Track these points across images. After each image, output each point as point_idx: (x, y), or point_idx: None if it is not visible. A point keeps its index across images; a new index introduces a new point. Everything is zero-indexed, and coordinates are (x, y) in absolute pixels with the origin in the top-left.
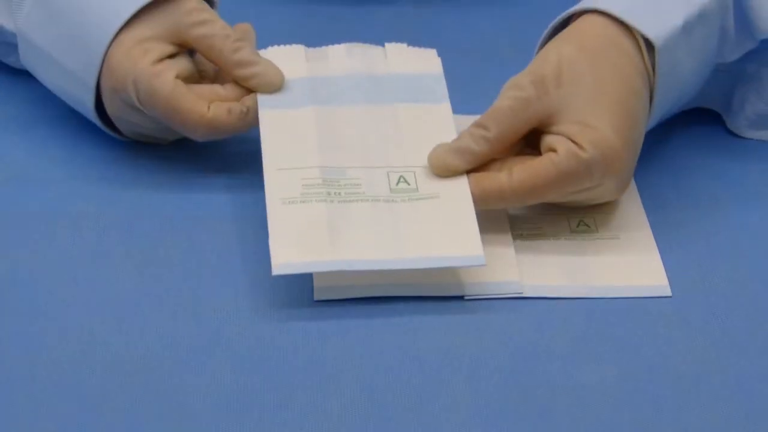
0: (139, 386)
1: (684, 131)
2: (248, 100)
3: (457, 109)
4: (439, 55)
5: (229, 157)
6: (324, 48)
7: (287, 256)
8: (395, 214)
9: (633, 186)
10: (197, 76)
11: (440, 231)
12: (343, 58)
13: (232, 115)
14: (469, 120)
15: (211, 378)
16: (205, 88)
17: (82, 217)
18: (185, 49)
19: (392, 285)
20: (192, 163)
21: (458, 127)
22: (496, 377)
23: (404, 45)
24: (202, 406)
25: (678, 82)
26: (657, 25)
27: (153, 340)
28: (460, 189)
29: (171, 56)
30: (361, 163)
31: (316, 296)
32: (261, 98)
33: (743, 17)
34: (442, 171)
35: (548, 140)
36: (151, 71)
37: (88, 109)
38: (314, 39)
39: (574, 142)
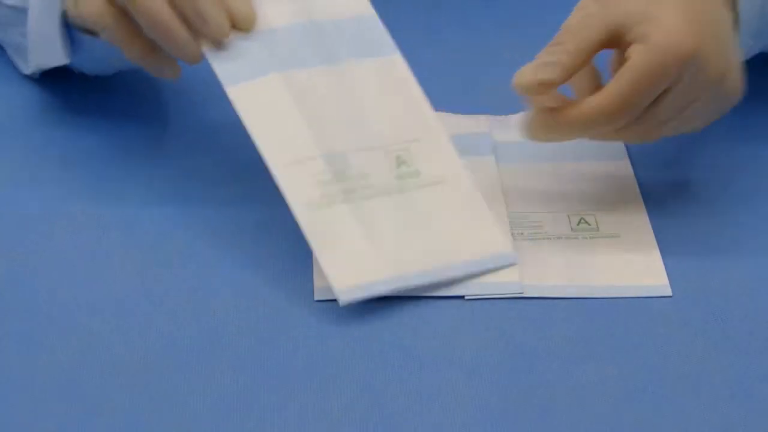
0: (139, 386)
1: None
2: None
3: (457, 109)
4: (439, 55)
5: (228, 156)
6: None
7: (346, 280)
8: (414, 206)
9: (634, 185)
10: None
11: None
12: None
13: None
14: (469, 120)
15: (211, 378)
16: None
17: (82, 217)
18: None
19: (393, 285)
20: (192, 164)
21: (461, 128)
22: (496, 377)
23: None
24: (202, 406)
25: None
26: None
27: (153, 340)
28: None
29: None
30: (356, 145)
31: (317, 296)
32: (219, 68)
33: None
34: (537, 88)
35: (626, 53)
36: None
37: (55, 16)
38: None
39: (642, 42)
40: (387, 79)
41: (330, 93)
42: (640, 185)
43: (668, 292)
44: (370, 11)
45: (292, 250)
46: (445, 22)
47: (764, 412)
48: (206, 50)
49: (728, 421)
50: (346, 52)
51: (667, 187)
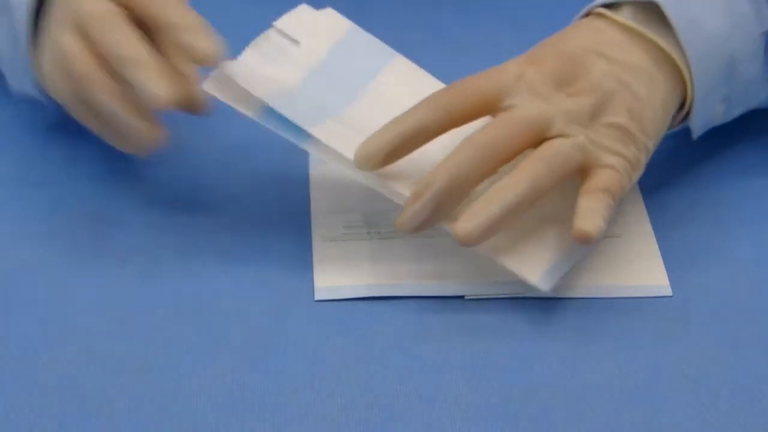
0: (140, 386)
1: (685, 131)
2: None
3: None
4: (439, 55)
5: (228, 157)
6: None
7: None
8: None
9: (635, 185)
10: None
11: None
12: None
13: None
14: None
15: (211, 378)
16: None
17: (81, 216)
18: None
19: (392, 285)
20: (192, 164)
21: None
22: (496, 376)
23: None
24: (202, 406)
25: (709, 39)
26: None
27: (153, 340)
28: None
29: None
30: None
31: (317, 296)
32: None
33: None
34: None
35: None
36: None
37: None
38: None
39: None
40: (408, 83)
41: (379, 116)
42: (641, 186)
43: (668, 292)
44: (350, 25)
45: (293, 251)
46: (446, 22)
47: (764, 412)
48: (272, 104)
49: (728, 421)
50: (364, 75)
51: (668, 188)
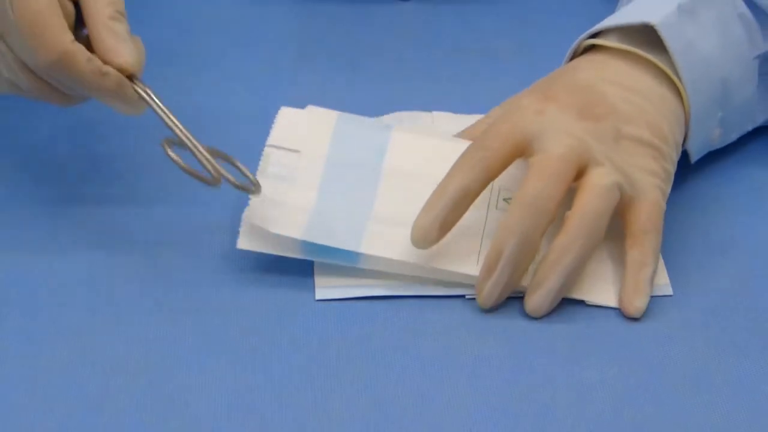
0: (139, 387)
1: (684, 156)
2: (111, 68)
3: (457, 109)
4: (439, 55)
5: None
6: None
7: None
8: None
9: None
10: (71, 31)
11: None
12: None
13: (90, 64)
14: (469, 119)
15: (211, 378)
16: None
17: (82, 217)
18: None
19: (392, 285)
20: (193, 165)
21: (460, 126)
22: (496, 376)
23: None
24: (202, 406)
25: (704, 62)
26: (651, 14)
27: (153, 341)
28: None
29: None
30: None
31: (317, 296)
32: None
33: (750, 1)
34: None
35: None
36: None
37: None
38: (314, 39)
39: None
40: (418, 151)
41: (409, 198)
42: None
43: (669, 291)
44: (335, 114)
45: None
46: (446, 23)
47: (764, 412)
48: (304, 234)
49: (728, 421)
50: (374, 160)
51: None
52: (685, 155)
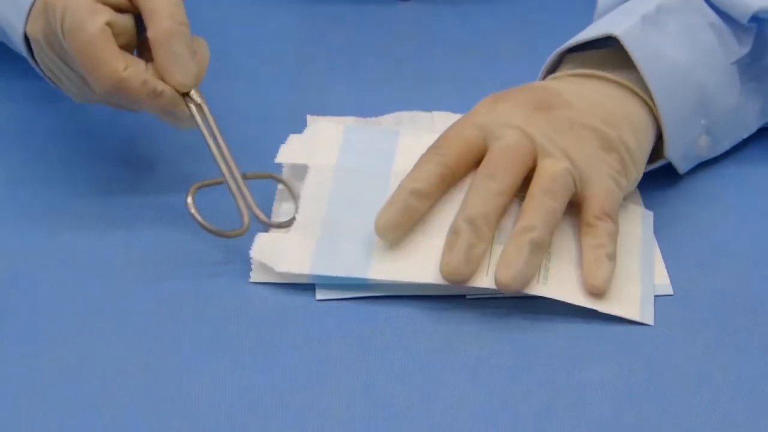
0: (140, 387)
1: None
2: (167, 86)
3: (457, 109)
4: (439, 55)
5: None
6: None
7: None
8: None
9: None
10: (132, 45)
11: None
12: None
13: (145, 87)
14: None
15: (211, 378)
16: (130, 56)
17: (82, 217)
18: (134, 13)
19: (393, 284)
20: (192, 164)
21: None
22: (496, 376)
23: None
24: (202, 406)
25: (674, 70)
26: (615, 26)
27: (153, 341)
28: None
29: (115, 8)
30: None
31: (318, 296)
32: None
33: (719, 9)
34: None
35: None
36: (88, 6)
37: (18, 30)
38: (314, 39)
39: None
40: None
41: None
42: (640, 185)
43: (669, 290)
44: (343, 126)
45: None
46: (446, 23)
47: (765, 412)
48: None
49: (729, 421)
50: (382, 169)
51: (668, 185)
52: (673, 171)
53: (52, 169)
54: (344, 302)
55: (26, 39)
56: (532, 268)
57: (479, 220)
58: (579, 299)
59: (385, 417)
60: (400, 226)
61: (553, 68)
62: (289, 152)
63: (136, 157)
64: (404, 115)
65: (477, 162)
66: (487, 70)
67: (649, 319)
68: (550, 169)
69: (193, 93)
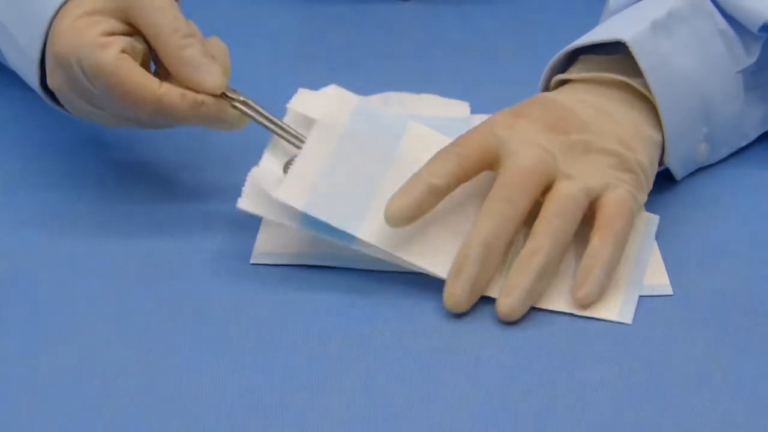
0: (140, 387)
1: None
2: (206, 96)
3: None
4: (439, 55)
5: (229, 157)
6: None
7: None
8: None
9: None
10: (149, 63)
11: None
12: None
13: (185, 99)
14: (451, 103)
15: (211, 378)
16: (155, 77)
17: (82, 217)
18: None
19: (332, 255)
20: (193, 166)
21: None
22: (496, 376)
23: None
24: (202, 406)
25: (680, 78)
26: (624, 31)
27: (153, 341)
28: None
29: (123, 35)
30: None
31: (252, 260)
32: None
33: (729, 16)
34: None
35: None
36: (96, 42)
37: (34, 84)
38: (314, 39)
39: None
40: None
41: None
42: None
43: (669, 291)
44: (357, 98)
45: None
46: (446, 23)
47: (765, 412)
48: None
49: (729, 421)
50: (389, 146)
51: (667, 186)
52: (671, 174)
53: (51, 173)
54: (344, 302)
55: (43, 88)
56: (535, 296)
57: (492, 244)
58: (558, 305)
59: (385, 417)
60: (411, 218)
61: (560, 67)
62: (301, 102)
63: (135, 160)
64: (392, 95)
65: (488, 170)
66: (487, 70)
67: (627, 319)
68: (564, 191)
69: (231, 92)
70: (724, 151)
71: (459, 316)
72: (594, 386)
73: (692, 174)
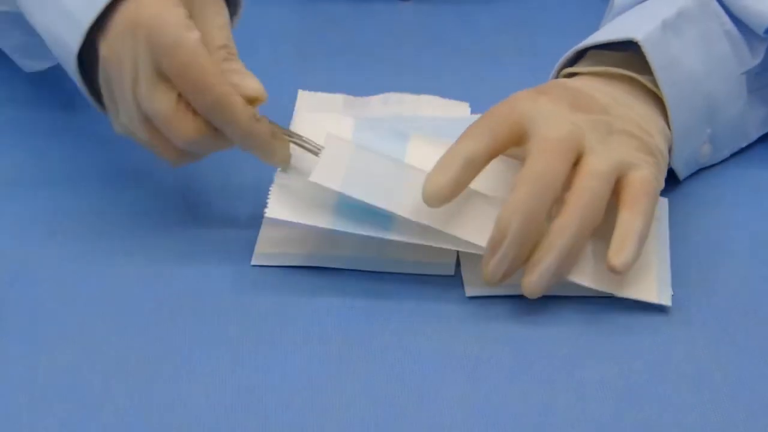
0: (140, 387)
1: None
2: (265, 117)
3: None
4: (439, 55)
5: (229, 157)
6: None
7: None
8: None
9: None
10: None
11: None
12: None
13: (246, 109)
14: (451, 104)
15: (211, 378)
16: None
17: (82, 216)
18: None
19: (332, 257)
20: (193, 166)
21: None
22: (496, 376)
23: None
24: (202, 406)
25: (688, 78)
26: (635, 30)
27: (153, 340)
28: None
29: None
30: None
31: (253, 262)
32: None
33: (736, 18)
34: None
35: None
36: (182, 22)
37: (70, 53)
38: (314, 39)
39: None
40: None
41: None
42: None
43: (669, 291)
44: (353, 121)
45: None
46: (446, 23)
47: (765, 412)
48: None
49: (728, 421)
50: (401, 145)
51: (668, 187)
52: (673, 174)
53: (51, 171)
54: (344, 303)
55: (79, 59)
56: (559, 274)
57: (530, 216)
58: (595, 283)
59: (385, 417)
60: (450, 196)
61: (567, 64)
62: (302, 124)
63: (136, 161)
64: (392, 96)
65: (515, 145)
66: (487, 70)
67: (666, 300)
68: (594, 166)
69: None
70: (726, 152)
71: (459, 316)
72: (594, 386)
73: (693, 173)
